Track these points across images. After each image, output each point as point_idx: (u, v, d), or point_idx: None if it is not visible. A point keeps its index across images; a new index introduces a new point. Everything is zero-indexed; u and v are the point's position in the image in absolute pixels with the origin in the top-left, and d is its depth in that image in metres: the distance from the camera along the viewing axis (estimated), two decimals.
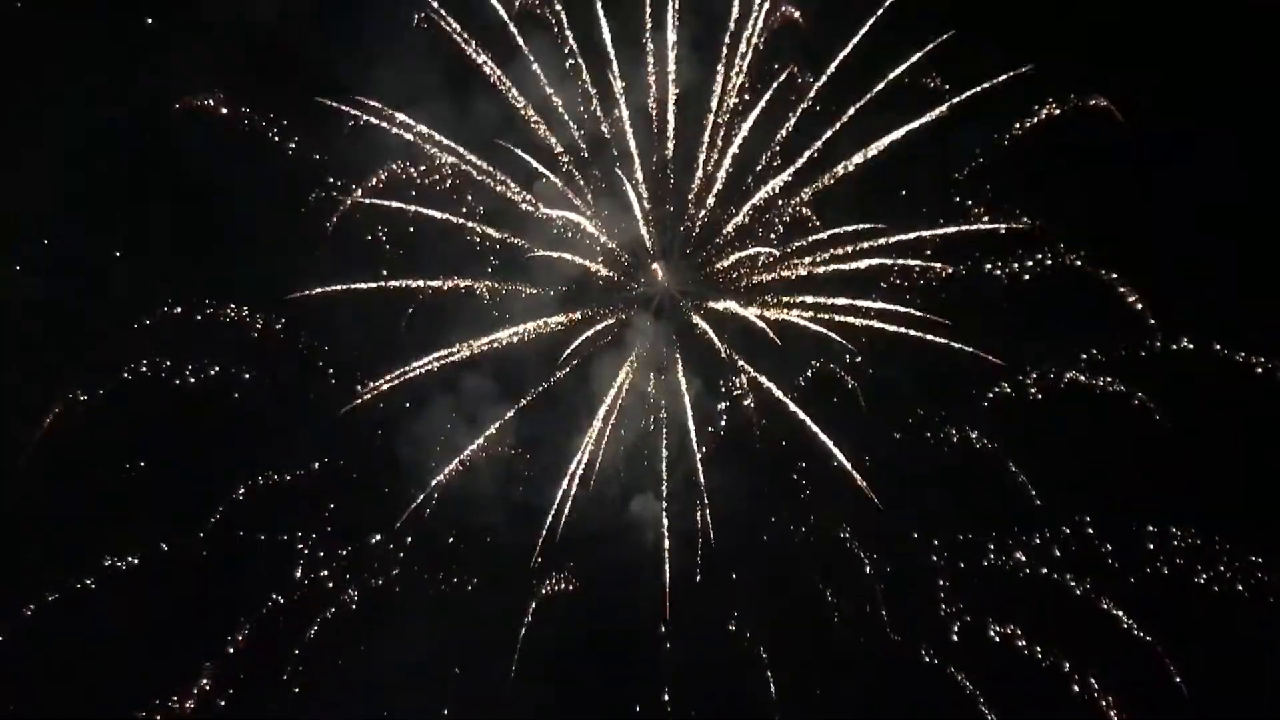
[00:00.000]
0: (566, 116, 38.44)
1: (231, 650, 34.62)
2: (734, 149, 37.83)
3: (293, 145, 37.11)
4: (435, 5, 37.13)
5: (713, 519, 36.13)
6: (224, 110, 36.44)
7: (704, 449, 36.78)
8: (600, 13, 37.38)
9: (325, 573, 36.05)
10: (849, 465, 35.15)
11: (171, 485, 35.27)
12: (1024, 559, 35.15)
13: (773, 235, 38.30)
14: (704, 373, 38.36)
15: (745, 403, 37.73)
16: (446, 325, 37.44)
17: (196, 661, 34.32)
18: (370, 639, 36.05)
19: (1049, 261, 35.38)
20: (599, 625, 36.67)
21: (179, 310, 35.82)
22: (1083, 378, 35.11)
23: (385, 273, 37.05)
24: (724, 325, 38.03)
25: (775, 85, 37.13)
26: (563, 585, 36.23)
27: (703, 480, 36.23)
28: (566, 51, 38.04)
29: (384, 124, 36.95)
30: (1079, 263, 34.95)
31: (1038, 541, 35.16)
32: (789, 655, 35.39)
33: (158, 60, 36.75)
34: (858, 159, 36.67)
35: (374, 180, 37.03)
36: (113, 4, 37.13)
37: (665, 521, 36.61)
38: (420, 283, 37.21)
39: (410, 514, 36.11)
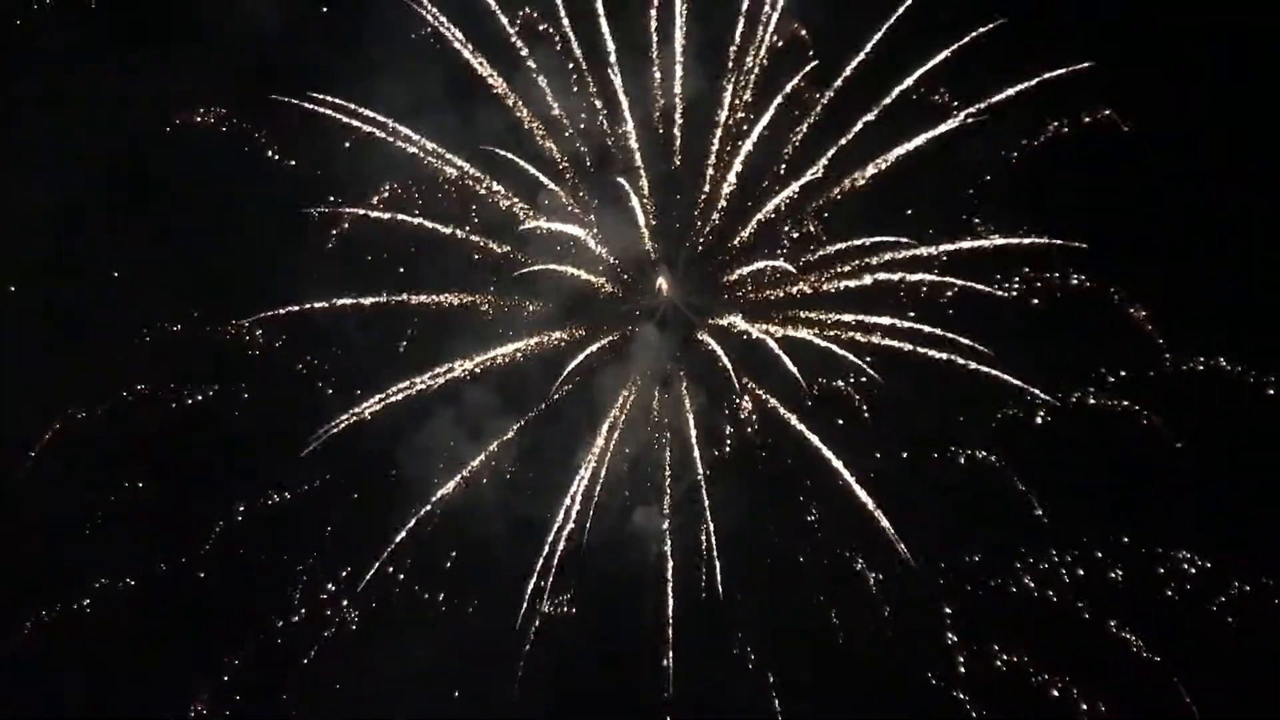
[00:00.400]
0: (571, 128, 38.39)
1: (226, 678, 34.45)
2: (739, 163, 37.55)
3: (293, 162, 37.09)
4: (439, 17, 36.97)
5: (716, 535, 35.57)
6: (223, 128, 36.44)
7: (707, 470, 36.43)
8: (604, 24, 37.18)
9: (324, 596, 35.71)
10: (877, 512, 34.79)
11: (170, 504, 35.15)
12: (1031, 583, 34.78)
13: (780, 251, 37.94)
14: (709, 386, 37.94)
15: (750, 421, 37.25)
16: (449, 339, 37.17)
17: (194, 683, 34.18)
18: (370, 660, 35.69)
19: (1056, 279, 35.15)
20: (601, 646, 36.28)
21: (178, 327, 35.79)
22: (1091, 400, 34.78)
23: (386, 294, 36.83)
24: (729, 340, 37.62)
25: (781, 97, 36.82)
26: (564, 610, 35.72)
27: (707, 500, 35.84)
28: (570, 67, 38.01)
29: (387, 137, 36.80)
30: (1090, 283, 34.66)
31: (1044, 567, 34.78)
32: (794, 677, 34.96)
33: (158, 73, 36.65)
34: (870, 170, 36.50)
35: (375, 199, 37.04)
36: (114, 17, 36.90)
37: (668, 539, 36.20)
38: (421, 298, 37.05)
39: (410, 530, 35.67)
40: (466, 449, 36.92)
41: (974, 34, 35.29)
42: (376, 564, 35.27)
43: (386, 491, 36.74)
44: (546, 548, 35.40)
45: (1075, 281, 35.15)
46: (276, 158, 37.12)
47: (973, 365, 34.71)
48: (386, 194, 37.16)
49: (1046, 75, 35.00)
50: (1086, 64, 34.63)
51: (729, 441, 37.64)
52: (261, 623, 34.96)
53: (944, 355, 35.02)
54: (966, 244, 35.87)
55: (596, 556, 36.32)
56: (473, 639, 36.12)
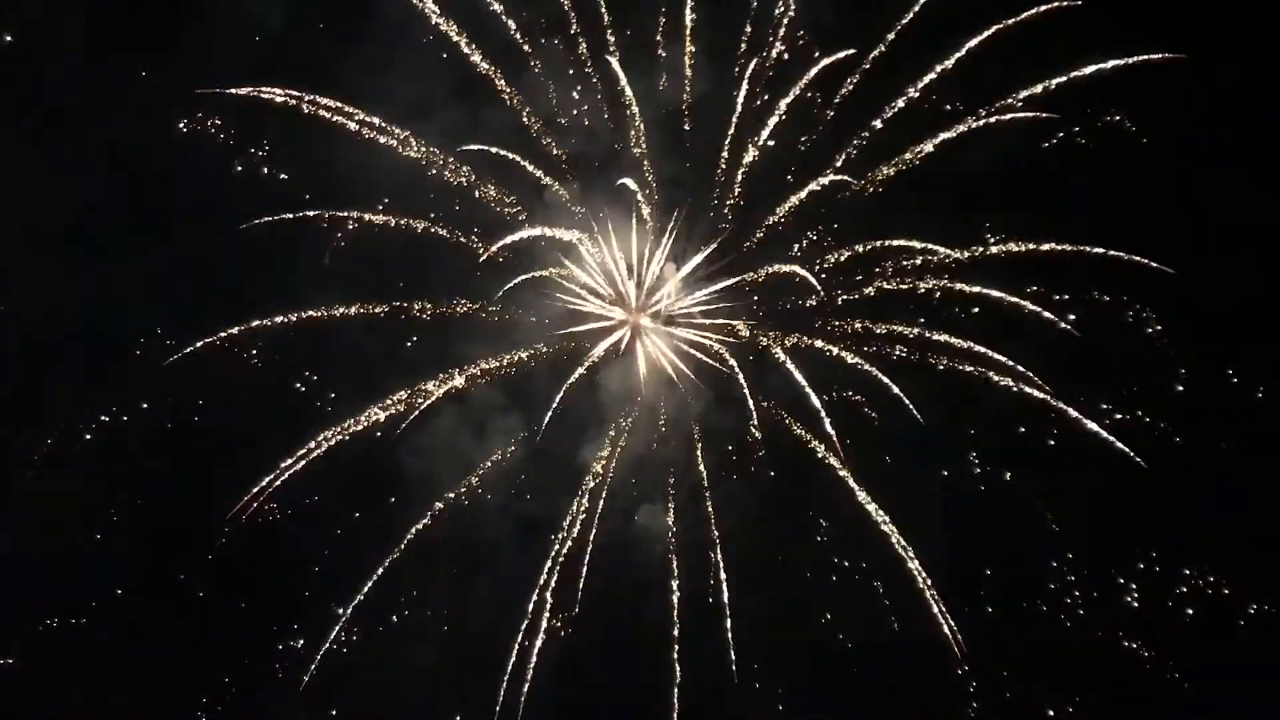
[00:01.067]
0: (577, 128, 38.06)
1: (224, 701, 34.30)
2: (749, 164, 37.06)
3: (284, 176, 36.83)
4: (444, 18, 36.46)
5: (723, 541, 35.36)
6: (222, 135, 36.16)
7: (709, 474, 36.25)
8: (611, 24, 36.82)
9: (326, 609, 35.36)
10: (889, 528, 34.37)
11: (169, 517, 35.03)
12: (1042, 603, 34.46)
13: (791, 255, 37.47)
14: (716, 388, 37.50)
15: (757, 428, 36.80)
16: (454, 342, 37.00)
17: (194, 699, 34.14)
18: (371, 673, 35.57)
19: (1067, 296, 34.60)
20: (605, 654, 36.02)
21: (177, 339, 35.27)
22: (1107, 421, 34.25)
23: (389, 303, 36.48)
24: (737, 343, 37.34)
25: (791, 97, 36.24)
26: (567, 631, 35.42)
27: (711, 509, 35.50)
28: (577, 68, 37.55)
29: (390, 140, 36.42)
30: (1107, 298, 34.14)
31: (1054, 587, 34.48)
32: (801, 694, 34.84)
33: (158, 75, 36.25)
34: (882, 174, 36.03)
35: (378, 203, 36.62)
36: (112, 18, 36.53)
37: (673, 542, 35.90)
38: (425, 303, 36.78)
39: (413, 538, 35.45)
40: (471, 451, 36.83)
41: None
42: (379, 571, 34.99)
43: (391, 492, 36.57)
44: (549, 560, 35.21)
45: (1093, 297, 34.71)
46: (277, 164, 36.84)
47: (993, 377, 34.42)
48: (389, 199, 36.75)
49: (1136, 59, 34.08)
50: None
51: (732, 454, 37.13)
52: (263, 637, 34.94)
53: (968, 367, 34.76)
54: (1035, 247, 35.00)
55: (600, 556, 35.89)
56: (475, 647, 36.01)
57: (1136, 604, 33.84)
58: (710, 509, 35.74)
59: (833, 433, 34.78)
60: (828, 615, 35.39)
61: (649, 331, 38.22)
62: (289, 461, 34.83)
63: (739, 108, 36.90)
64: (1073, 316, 34.20)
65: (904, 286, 35.71)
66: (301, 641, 35.29)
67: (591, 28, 36.98)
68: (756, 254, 37.71)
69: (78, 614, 33.81)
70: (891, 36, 35.53)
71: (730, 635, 34.63)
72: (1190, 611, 33.30)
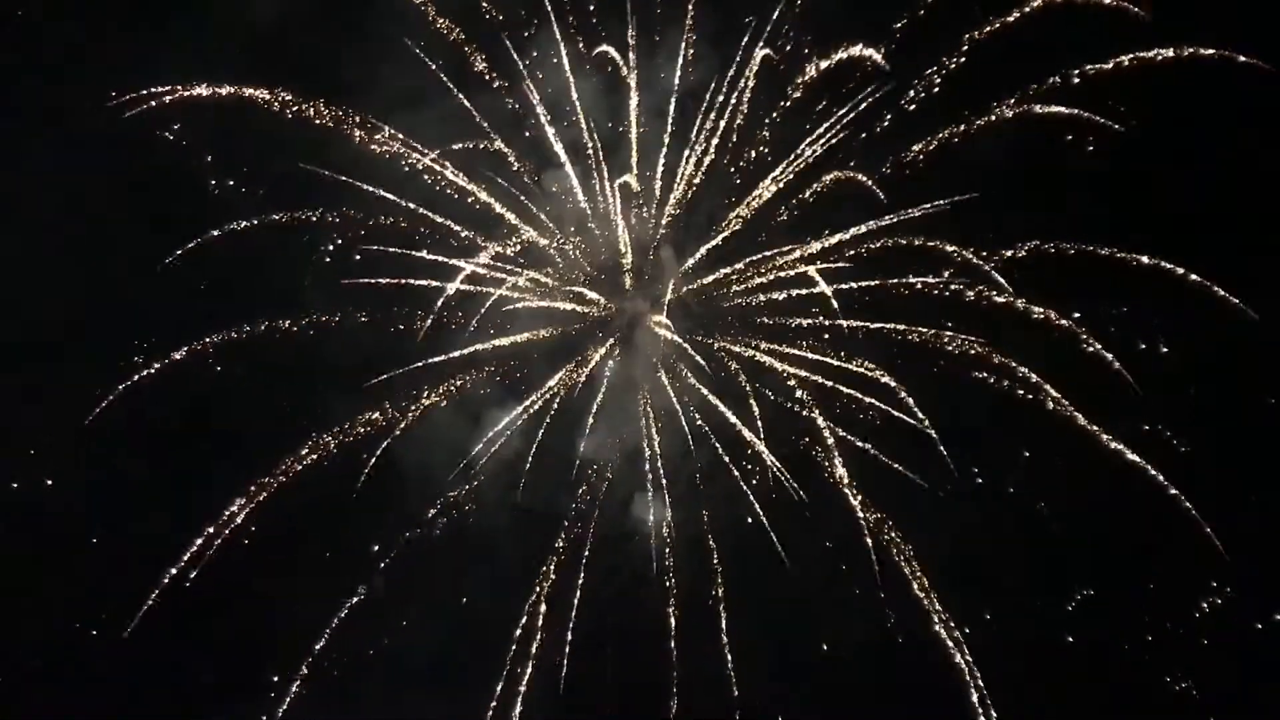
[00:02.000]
0: (575, 119, 37.41)
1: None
2: (750, 156, 36.97)
3: (279, 174, 36.32)
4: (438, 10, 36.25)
5: (718, 539, 35.42)
6: (211, 134, 35.86)
7: (704, 470, 36.29)
8: (603, 19, 36.65)
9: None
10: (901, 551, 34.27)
11: (160, 522, 34.69)
12: (1048, 614, 34.39)
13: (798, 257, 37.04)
14: (716, 381, 37.31)
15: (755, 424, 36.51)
16: (450, 341, 36.62)
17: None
18: (369, 678, 35.46)
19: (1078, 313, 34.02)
20: (603, 655, 35.76)
21: (168, 344, 35.05)
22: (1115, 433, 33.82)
23: (382, 310, 36.31)
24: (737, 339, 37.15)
25: (793, 92, 36.03)
26: (558, 660, 35.11)
27: (709, 510, 35.60)
28: (571, 66, 37.00)
29: (380, 143, 36.15)
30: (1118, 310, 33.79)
31: (1059, 599, 34.33)
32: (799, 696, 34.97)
33: (152, 70, 35.29)
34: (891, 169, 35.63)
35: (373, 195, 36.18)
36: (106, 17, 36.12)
37: (670, 536, 35.89)
38: (417, 307, 36.51)
39: (413, 535, 35.75)
40: (468, 439, 36.65)
41: None
42: (379, 575, 35.18)
43: (387, 487, 36.20)
44: (544, 564, 35.22)
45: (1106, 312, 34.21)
46: (269, 165, 36.36)
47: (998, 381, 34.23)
48: (384, 199, 36.18)
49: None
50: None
51: (730, 451, 36.87)
52: (256, 645, 34.82)
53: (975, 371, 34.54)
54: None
55: (597, 553, 35.95)
56: (473, 647, 35.75)
57: (1148, 617, 33.81)
58: (707, 507, 35.75)
59: (831, 437, 34.86)
60: (827, 623, 35.44)
61: (648, 325, 38.19)
62: (281, 469, 34.78)
63: (745, 99, 36.53)
64: (1081, 331, 33.94)
65: (908, 291, 35.45)
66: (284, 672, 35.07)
67: (591, 19, 36.72)
68: (758, 249, 37.38)
69: (69, 629, 33.80)
70: (898, 34, 35.03)
71: (726, 635, 34.59)
72: (1205, 631, 33.25)
